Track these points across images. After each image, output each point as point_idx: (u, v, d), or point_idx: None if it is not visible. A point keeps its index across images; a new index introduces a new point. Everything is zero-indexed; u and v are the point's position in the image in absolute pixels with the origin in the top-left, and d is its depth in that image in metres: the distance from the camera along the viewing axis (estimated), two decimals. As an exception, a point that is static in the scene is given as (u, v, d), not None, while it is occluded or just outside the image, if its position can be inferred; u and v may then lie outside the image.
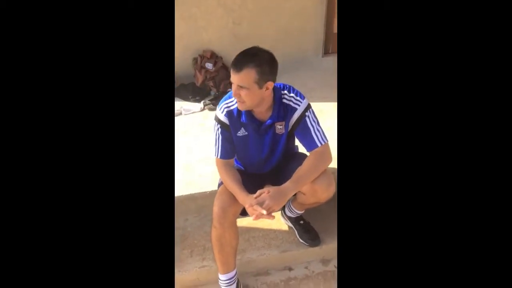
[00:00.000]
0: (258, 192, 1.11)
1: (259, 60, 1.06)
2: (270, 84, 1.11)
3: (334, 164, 1.69)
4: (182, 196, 1.57)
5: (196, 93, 2.61)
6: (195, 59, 2.78)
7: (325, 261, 1.49)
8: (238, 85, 1.08)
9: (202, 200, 1.58)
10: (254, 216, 1.07)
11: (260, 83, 1.07)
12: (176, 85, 2.75)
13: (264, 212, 1.05)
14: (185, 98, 2.60)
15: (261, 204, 1.07)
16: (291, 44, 2.88)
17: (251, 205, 1.08)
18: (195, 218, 1.63)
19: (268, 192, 1.09)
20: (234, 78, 1.08)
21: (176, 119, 2.36)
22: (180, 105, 2.51)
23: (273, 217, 1.09)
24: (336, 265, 1.46)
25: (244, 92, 1.08)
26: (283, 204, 1.11)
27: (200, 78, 2.71)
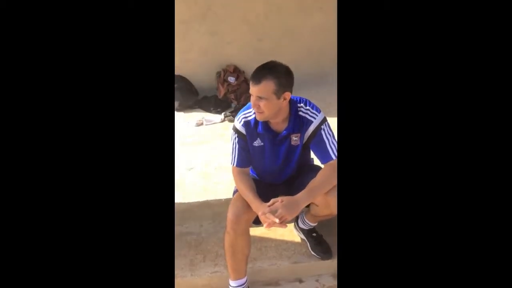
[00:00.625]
0: (272, 201, 1.14)
1: (276, 72, 1.12)
2: (288, 95, 1.16)
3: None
4: (198, 202, 1.63)
5: (217, 105, 2.71)
6: (218, 73, 2.90)
7: (336, 275, 1.47)
8: (258, 96, 1.13)
9: (217, 207, 1.63)
10: (266, 224, 1.10)
11: (278, 94, 1.13)
12: (199, 97, 2.87)
13: (277, 220, 1.08)
14: (207, 110, 2.70)
15: (274, 212, 1.10)
16: (312, 61, 2.94)
17: (264, 213, 1.11)
18: (209, 225, 1.67)
19: (282, 201, 1.12)
20: (254, 89, 1.14)
21: (198, 129, 2.45)
22: (202, 115, 2.61)
23: (285, 226, 1.11)
24: (347, 281, 1.45)
25: (263, 103, 1.14)
26: (296, 214, 1.13)
27: (222, 91, 2.81)
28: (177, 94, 2.74)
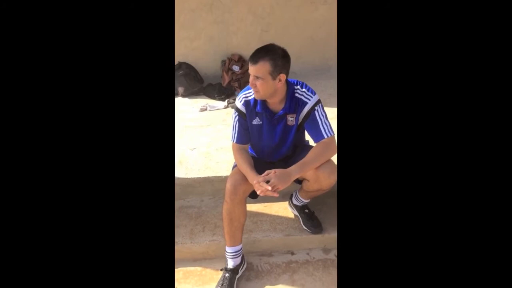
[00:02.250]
0: (266, 172, 1.25)
1: (273, 54, 1.22)
2: (283, 76, 1.25)
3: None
4: (200, 178, 1.74)
5: (221, 92, 2.80)
6: (223, 61, 2.99)
7: (326, 250, 1.58)
8: (254, 76, 1.23)
9: (218, 183, 1.74)
10: (259, 191, 1.21)
11: (274, 75, 1.22)
12: (204, 84, 2.97)
13: (269, 188, 1.19)
14: (211, 96, 2.81)
15: (267, 182, 1.21)
16: (315, 52, 3.02)
17: (258, 182, 1.22)
18: (209, 200, 1.78)
19: (275, 172, 1.23)
20: (251, 69, 1.23)
21: (201, 113, 2.56)
22: (206, 102, 2.72)
23: (277, 194, 1.21)
24: (336, 254, 1.55)
25: (259, 82, 1.23)
26: (287, 184, 1.23)
27: (226, 79, 2.91)
28: (182, 80, 2.84)
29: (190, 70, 2.93)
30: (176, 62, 2.95)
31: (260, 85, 1.24)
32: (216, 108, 2.62)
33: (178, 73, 2.88)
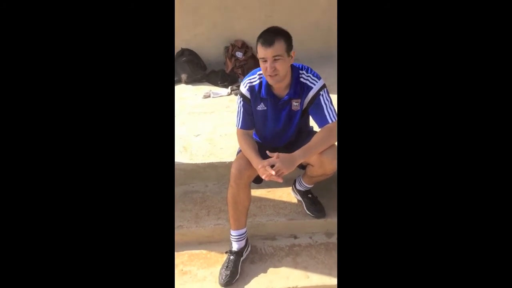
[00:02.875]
0: (271, 156, 1.26)
1: (283, 33, 1.25)
2: (293, 53, 1.28)
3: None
4: (204, 163, 1.76)
5: (224, 79, 2.79)
6: (226, 48, 2.97)
7: (329, 234, 1.61)
8: (274, 57, 1.21)
9: (222, 169, 1.76)
10: (264, 175, 1.23)
11: (288, 51, 1.25)
12: (207, 71, 2.95)
13: (273, 172, 1.20)
14: (214, 83, 2.80)
15: (271, 166, 1.22)
16: (319, 39, 2.99)
17: (263, 166, 1.23)
18: (214, 185, 1.80)
19: (278, 157, 1.24)
20: (268, 52, 1.20)
21: (205, 100, 2.56)
22: (209, 88, 2.71)
23: (281, 179, 1.23)
24: (338, 238, 1.58)
25: (279, 63, 1.22)
26: (292, 169, 1.24)
27: (229, 66, 2.89)
28: (185, 67, 2.83)
29: (193, 56, 2.91)
30: (178, 49, 2.93)
31: (280, 65, 1.23)
32: (220, 95, 2.62)
33: (181, 60, 2.86)
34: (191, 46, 2.97)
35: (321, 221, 1.58)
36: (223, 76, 2.83)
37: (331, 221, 1.58)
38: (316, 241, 1.58)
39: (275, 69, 1.23)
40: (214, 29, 2.95)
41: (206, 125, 2.14)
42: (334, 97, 2.06)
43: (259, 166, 1.25)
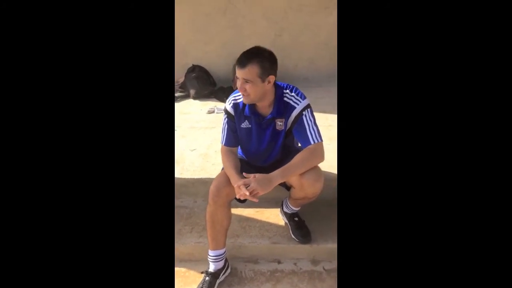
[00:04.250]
0: (247, 176, 1.22)
1: (260, 56, 1.20)
2: (272, 78, 1.23)
3: (334, 169, 1.73)
4: (193, 179, 1.75)
5: (231, 95, 2.82)
6: (235, 65, 3.00)
7: (315, 261, 1.51)
8: (244, 79, 1.22)
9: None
10: (238, 195, 1.19)
11: (263, 77, 1.21)
12: (216, 87, 3.00)
13: (247, 193, 1.16)
14: (221, 99, 2.83)
15: (247, 186, 1.19)
16: (328, 58, 2.95)
17: (238, 186, 1.20)
18: (203, 201, 1.78)
19: (255, 177, 1.20)
20: (240, 73, 1.22)
21: (209, 116, 2.58)
22: (215, 104, 2.74)
23: (257, 200, 1.18)
24: (324, 267, 1.49)
25: (249, 86, 1.22)
26: (268, 190, 1.20)
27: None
28: (194, 83, 2.89)
29: (202, 73, 2.97)
30: (189, 65, 3.01)
31: (250, 88, 1.22)
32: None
33: (191, 76, 2.93)
34: (202, 63, 3.04)
35: (306, 246, 1.49)
36: (230, 92, 2.83)
37: (317, 247, 1.49)
38: (301, 268, 1.49)
39: (245, 90, 1.22)
40: (225, 46, 3.01)
41: (204, 140, 2.15)
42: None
43: (235, 186, 1.22)
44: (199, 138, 2.17)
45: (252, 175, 1.20)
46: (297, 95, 1.30)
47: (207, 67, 3.03)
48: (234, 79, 3.00)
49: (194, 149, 2.03)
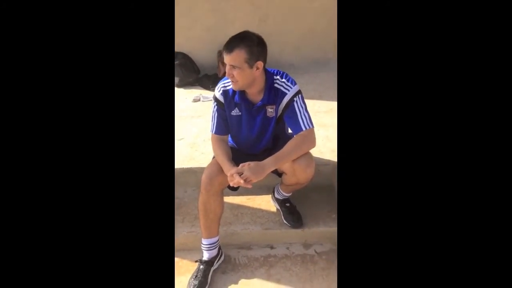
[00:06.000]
0: (241, 164, 1.22)
1: (248, 41, 1.17)
2: (260, 64, 1.21)
3: (323, 155, 1.75)
4: (183, 168, 1.72)
5: (216, 83, 2.76)
6: (219, 52, 2.94)
7: (306, 245, 1.55)
8: (231, 65, 1.19)
9: (201, 175, 1.70)
10: (232, 183, 1.18)
11: (250, 62, 1.18)
12: (200, 75, 2.93)
13: (241, 181, 1.16)
14: (206, 87, 2.77)
15: (240, 174, 1.18)
16: (315, 44, 2.94)
17: (231, 174, 1.19)
18: (193, 191, 1.77)
19: (249, 165, 1.19)
20: (226, 58, 1.19)
21: (195, 104, 2.53)
22: (200, 92, 2.69)
23: (251, 186, 1.19)
24: (316, 250, 1.52)
25: (236, 72, 1.19)
26: (261, 177, 1.20)
27: (222, 70, 2.87)
28: (178, 70, 2.81)
29: (186, 60, 2.90)
30: (172, 52, 2.92)
31: (238, 75, 1.20)
32: (209, 99, 2.59)
33: (175, 63, 2.85)
34: (185, 49, 2.96)
35: (298, 231, 1.52)
36: (215, 80, 2.80)
37: (309, 231, 1.52)
38: (293, 252, 1.52)
39: (232, 76, 1.20)
40: (208, 32, 2.93)
41: (191, 129, 2.11)
42: (331, 103, 2.01)
43: (228, 174, 1.21)
44: (186, 127, 2.13)
45: (246, 164, 1.20)
46: (287, 81, 1.29)
47: (190, 54, 2.95)
48: (218, 65, 2.94)
49: (182, 139, 1.99)
